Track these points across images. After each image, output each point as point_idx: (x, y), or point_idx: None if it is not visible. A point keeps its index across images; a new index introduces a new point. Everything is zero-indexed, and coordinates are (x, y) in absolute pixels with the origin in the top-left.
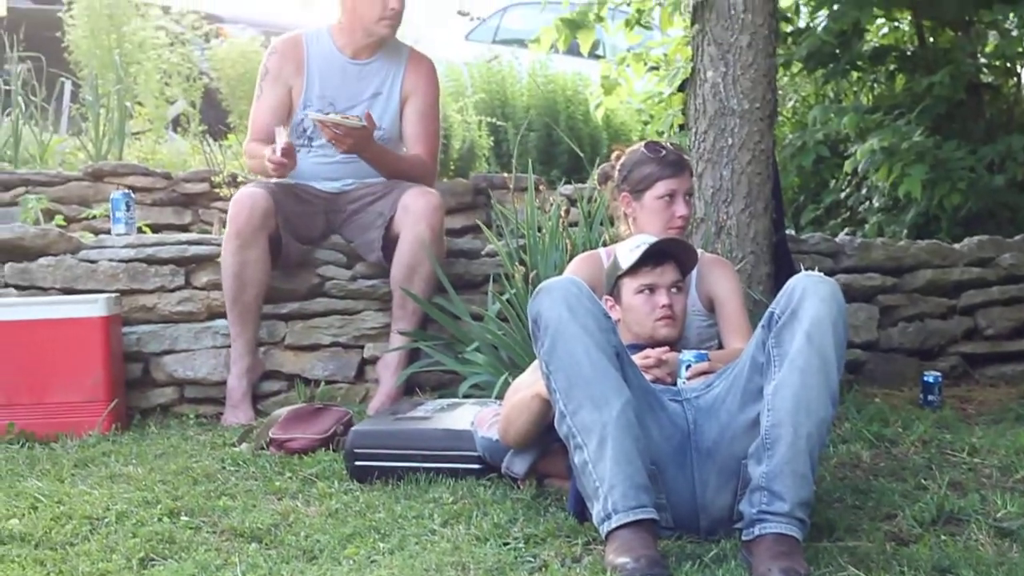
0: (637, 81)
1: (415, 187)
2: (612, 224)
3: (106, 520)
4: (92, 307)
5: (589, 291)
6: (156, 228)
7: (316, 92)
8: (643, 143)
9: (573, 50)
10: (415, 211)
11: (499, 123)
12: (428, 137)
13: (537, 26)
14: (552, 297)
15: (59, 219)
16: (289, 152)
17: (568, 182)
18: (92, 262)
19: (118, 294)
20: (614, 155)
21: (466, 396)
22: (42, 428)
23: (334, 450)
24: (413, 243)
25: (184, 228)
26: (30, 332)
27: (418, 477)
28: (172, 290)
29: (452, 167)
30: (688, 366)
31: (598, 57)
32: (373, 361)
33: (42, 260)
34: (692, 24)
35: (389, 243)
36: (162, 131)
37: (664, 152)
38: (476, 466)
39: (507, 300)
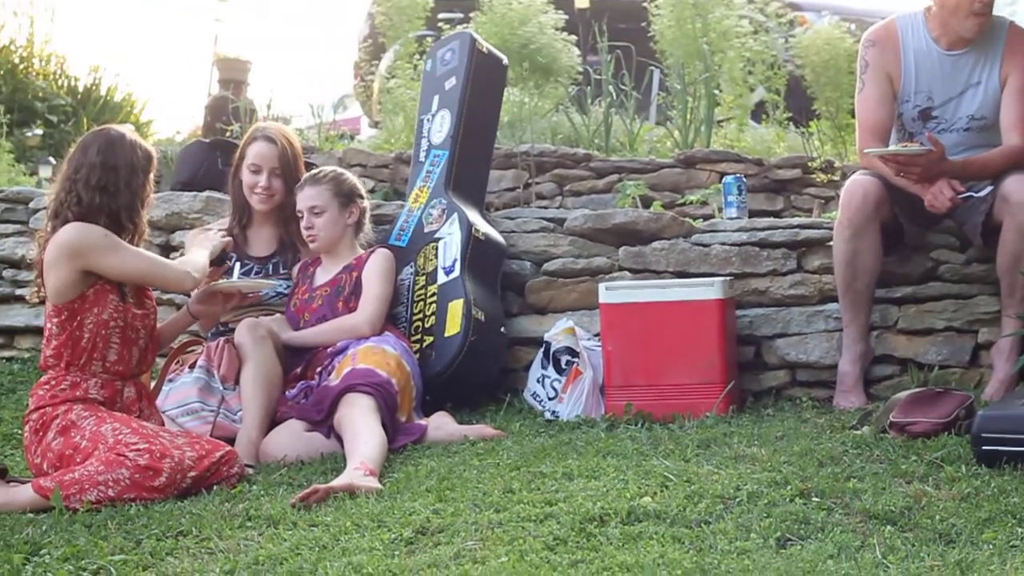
0: None
1: (1016, 174)
2: None
3: (738, 499)
4: (708, 290)
5: None
6: (750, 213)
7: (913, 86)
8: None
9: None
10: (1016, 201)
11: None
12: None
13: None
14: None
15: (657, 204)
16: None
17: None
18: (705, 246)
19: (731, 277)
20: None
21: None
22: (659, 409)
23: (957, 434)
24: (1015, 233)
25: (775, 214)
26: (648, 315)
27: None
28: (784, 274)
29: None
30: None
31: None
32: (987, 346)
33: (655, 244)
34: None
35: (992, 230)
36: (745, 119)
37: None
38: None
39: None
